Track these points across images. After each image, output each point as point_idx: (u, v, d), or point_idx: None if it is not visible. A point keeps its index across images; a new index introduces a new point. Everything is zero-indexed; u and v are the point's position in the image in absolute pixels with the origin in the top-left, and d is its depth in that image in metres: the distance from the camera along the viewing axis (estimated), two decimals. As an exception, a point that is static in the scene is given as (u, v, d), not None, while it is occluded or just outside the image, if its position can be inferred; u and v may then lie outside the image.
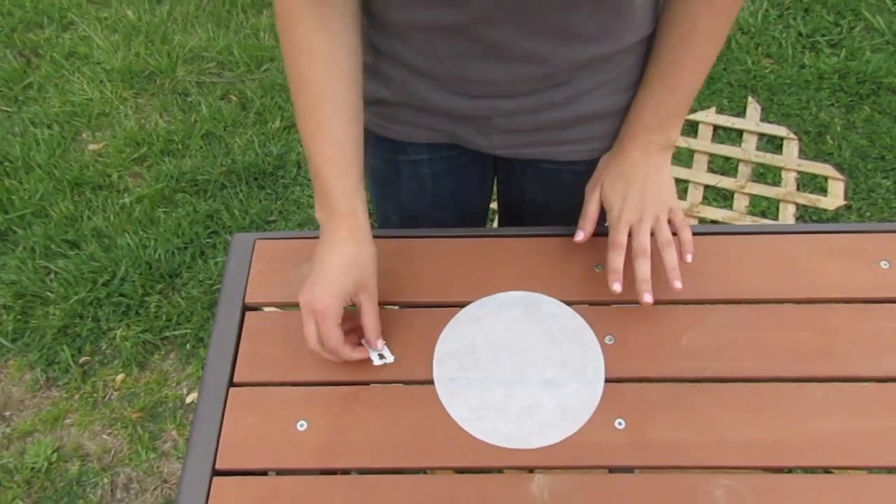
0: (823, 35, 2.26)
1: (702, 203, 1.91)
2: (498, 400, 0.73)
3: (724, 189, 1.94)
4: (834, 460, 0.68)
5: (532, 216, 0.98)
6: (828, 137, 2.02)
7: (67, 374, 1.67)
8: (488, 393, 0.73)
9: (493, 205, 1.88)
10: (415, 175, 0.93)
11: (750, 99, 2.13)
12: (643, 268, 0.73)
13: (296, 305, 0.81)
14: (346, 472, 0.71)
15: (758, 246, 0.83)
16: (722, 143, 2.05)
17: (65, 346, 1.69)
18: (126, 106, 2.24)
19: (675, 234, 0.76)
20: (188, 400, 1.63)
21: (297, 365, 0.76)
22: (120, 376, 1.66)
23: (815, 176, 1.95)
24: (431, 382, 0.74)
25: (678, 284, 0.72)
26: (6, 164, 2.08)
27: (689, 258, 0.74)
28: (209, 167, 2.04)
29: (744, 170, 1.98)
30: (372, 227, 0.75)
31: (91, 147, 2.13)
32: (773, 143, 2.03)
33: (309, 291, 0.70)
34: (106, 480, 1.52)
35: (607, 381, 0.74)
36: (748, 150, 2.02)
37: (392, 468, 0.70)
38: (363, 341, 0.76)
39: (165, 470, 1.53)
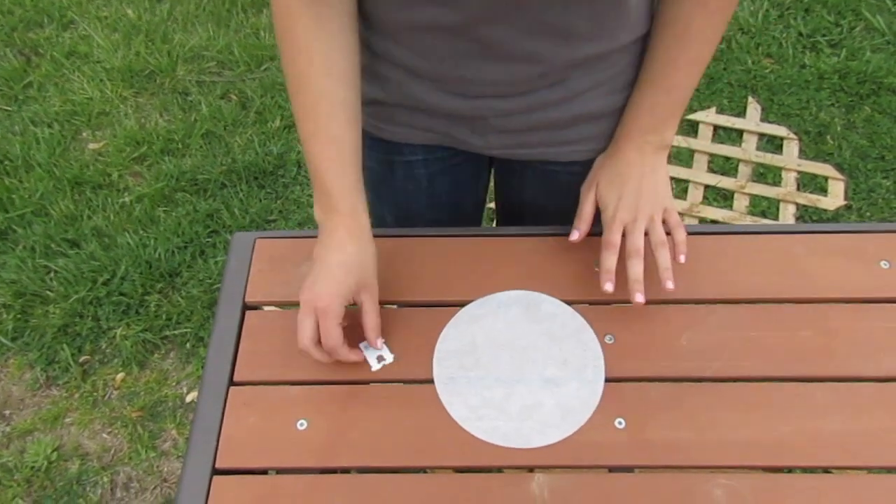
0: (824, 35, 2.27)
1: (702, 203, 1.91)
2: (498, 399, 0.73)
3: (724, 189, 1.94)
4: (833, 460, 0.68)
5: (530, 217, 0.98)
6: (828, 137, 2.02)
7: (67, 373, 1.67)
8: (488, 392, 0.73)
9: (493, 205, 1.88)
10: (410, 176, 0.93)
11: (750, 99, 2.13)
12: (636, 268, 0.73)
13: (296, 305, 0.81)
14: (346, 471, 0.71)
15: (758, 246, 0.83)
16: (722, 143, 2.05)
17: (65, 345, 1.70)
18: (126, 105, 2.24)
19: (669, 234, 0.75)
20: (188, 399, 1.63)
21: (297, 364, 0.76)
22: (120, 375, 1.66)
23: (815, 176, 1.95)
24: (431, 382, 0.74)
25: (670, 285, 0.72)
26: (6, 162, 2.08)
27: (682, 259, 0.74)
28: (209, 166, 2.04)
29: (744, 170, 1.98)
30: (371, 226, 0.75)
31: (91, 146, 2.13)
32: (773, 143, 2.04)
33: (310, 289, 0.70)
34: (106, 479, 1.52)
35: (607, 380, 0.74)
36: (748, 150, 2.02)
37: (392, 467, 0.70)
38: (361, 345, 0.76)
39: (165, 469, 1.53)
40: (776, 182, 1.94)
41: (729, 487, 0.67)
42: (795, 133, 2.04)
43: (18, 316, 1.75)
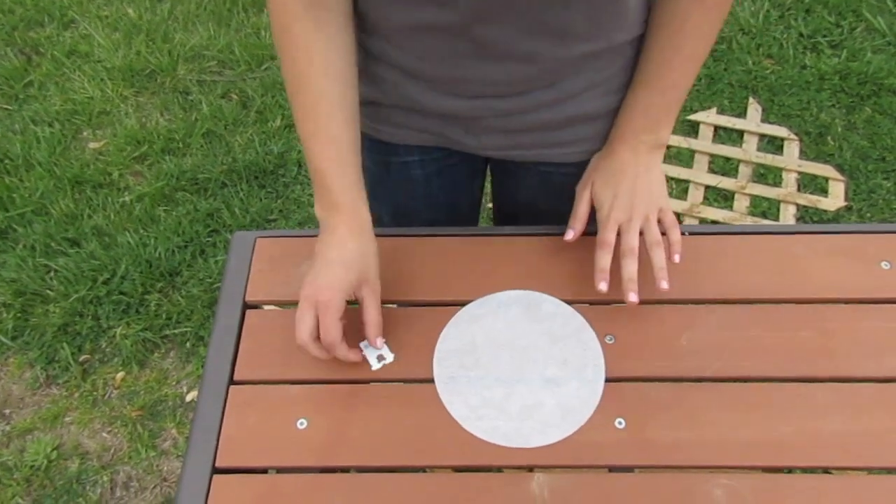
0: (824, 36, 2.27)
1: (702, 203, 1.91)
2: (498, 399, 0.73)
3: (724, 189, 1.94)
4: (834, 461, 0.68)
5: (526, 219, 0.98)
6: (828, 138, 2.02)
7: (67, 372, 1.67)
8: (488, 392, 0.73)
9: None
10: (406, 177, 0.93)
11: (751, 99, 2.13)
12: (630, 267, 0.73)
13: (297, 304, 0.81)
14: (345, 470, 0.71)
15: (758, 246, 0.83)
16: (723, 143, 2.05)
17: (65, 344, 1.70)
18: (127, 104, 2.24)
19: (664, 234, 0.75)
20: (188, 398, 1.63)
21: (297, 363, 0.76)
22: (120, 374, 1.66)
23: (815, 177, 1.95)
24: (431, 381, 0.74)
25: (665, 285, 0.72)
26: (7, 162, 2.08)
27: (676, 258, 0.74)
28: (210, 166, 2.04)
29: (744, 170, 1.98)
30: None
31: (92, 145, 2.13)
32: (773, 144, 2.04)
33: (311, 285, 0.70)
34: (105, 478, 1.52)
35: (607, 380, 0.74)
36: (749, 150, 2.02)
37: (392, 467, 0.70)
38: (361, 345, 0.76)
39: (165, 468, 1.53)
40: (777, 183, 1.94)
41: (729, 487, 0.67)
42: (796, 134, 2.04)
43: (18, 315, 1.75)
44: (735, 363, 0.74)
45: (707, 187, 1.95)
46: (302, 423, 0.72)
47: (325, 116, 0.70)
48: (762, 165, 1.98)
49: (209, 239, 1.88)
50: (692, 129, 2.08)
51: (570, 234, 0.79)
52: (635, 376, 0.74)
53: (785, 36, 2.28)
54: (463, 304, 0.80)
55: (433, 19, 0.67)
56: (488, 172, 1.02)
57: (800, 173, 1.96)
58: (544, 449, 0.70)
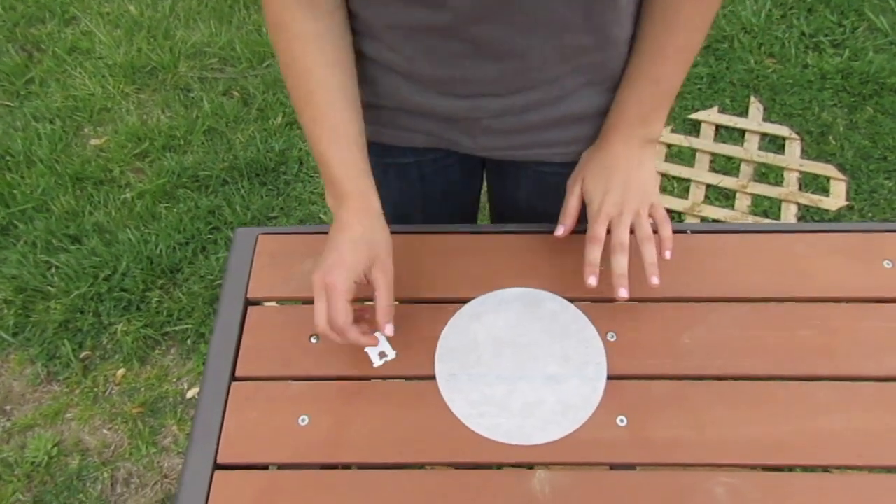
0: (826, 35, 2.26)
1: (703, 202, 1.91)
2: (499, 396, 0.73)
3: (725, 188, 1.93)
4: (835, 459, 0.68)
5: (523, 219, 0.97)
6: (830, 138, 2.02)
7: (68, 368, 1.67)
8: (490, 389, 0.73)
9: (495, 202, 1.88)
10: (403, 178, 0.92)
11: (752, 98, 2.13)
12: (620, 262, 0.71)
13: (298, 300, 0.81)
14: (347, 467, 0.71)
15: (760, 245, 0.83)
16: (724, 142, 2.04)
17: (66, 341, 1.70)
18: (128, 101, 2.24)
19: (655, 231, 0.74)
20: (189, 395, 1.63)
21: (299, 360, 0.76)
22: (121, 371, 1.66)
23: (817, 176, 1.95)
24: (433, 378, 0.74)
25: (655, 281, 0.71)
26: (8, 158, 2.08)
27: (668, 255, 0.73)
28: (211, 163, 2.04)
29: (746, 169, 1.98)
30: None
31: (93, 142, 2.13)
32: (775, 143, 2.03)
33: (319, 271, 0.68)
34: (106, 475, 1.52)
35: (609, 378, 0.74)
36: (750, 149, 2.02)
37: (393, 464, 0.70)
38: (371, 336, 0.76)
39: (166, 465, 1.53)
40: (778, 182, 1.94)
41: (730, 486, 0.67)
42: (797, 133, 2.04)
43: (20, 311, 1.75)
44: (736, 361, 0.74)
45: (708, 186, 1.95)
46: (303, 420, 0.72)
47: (326, 103, 0.70)
48: (763, 164, 1.98)
49: (210, 236, 1.88)
50: (693, 128, 2.08)
51: (560, 230, 0.78)
52: (637, 374, 0.74)
53: (787, 35, 2.28)
54: (464, 301, 0.80)
55: (427, 20, 0.66)
56: (485, 172, 1.02)
57: (801, 173, 1.96)
58: (545, 446, 0.70)
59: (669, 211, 1.90)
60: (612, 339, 0.76)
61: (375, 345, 0.72)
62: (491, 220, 1.10)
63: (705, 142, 2.04)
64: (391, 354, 0.76)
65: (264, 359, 0.77)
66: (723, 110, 2.12)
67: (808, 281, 0.80)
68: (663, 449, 0.69)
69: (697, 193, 1.93)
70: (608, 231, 0.74)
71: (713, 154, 2.02)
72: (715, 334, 0.76)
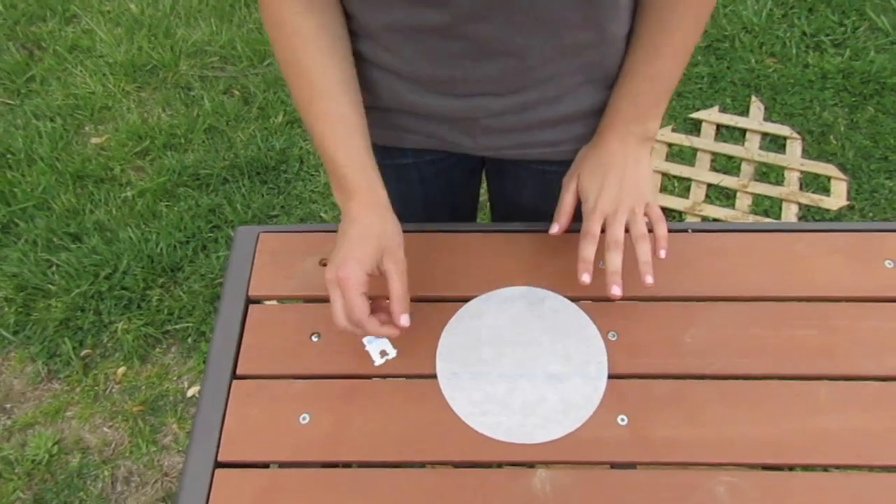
0: (828, 35, 2.26)
1: (704, 202, 1.91)
2: (501, 394, 0.73)
3: (726, 188, 1.93)
4: (836, 459, 0.68)
5: (524, 218, 0.97)
6: (831, 137, 2.02)
7: (69, 366, 1.67)
8: (491, 387, 0.73)
9: (496, 201, 1.87)
10: (402, 179, 0.92)
11: (753, 98, 2.13)
12: (614, 260, 0.71)
13: (299, 299, 0.81)
14: (347, 465, 0.71)
15: (761, 244, 0.83)
16: (725, 141, 2.04)
17: (66, 339, 1.70)
18: (129, 99, 2.23)
19: (650, 230, 0.74)
20: (189, 394, 1.63)
21: (299, 358, 0.76)
22: (121, 369, 1.66)
23: (817, 176, 1.95)
24: (434, 377, 0.74)
25: (650, 279, 0.71)
26: (9, 156, 2.08)
27: (662, 254, 0.72)
28: (211, 161, 2.04)
29: (746, 169, 1.98)
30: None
31: (93, 140, 2.13)
32: (776, 143, 2.03)
33: (331, 267, 0.68)
34: (106, 473, 1.52)
35: (610, 377, 0.74)
36: (751, 149, 2.02)
37: (394, 462, 0.70)
38: (365, 340, 0.76)
39: (166, 463, 1.53)
40: (779, 181, 1.94)
41: (731, 485, 0.67)
42: (798, 132, 2.04)
43: (20, 309, 1.75)
44: (737, 361, 0.74)
45: (709, 185, 1.95)
46: (304, 418, 0.72)
47: (329, 97, 0.70)
48: (764, 164, 1.98)
49: (211, 234, 1.88)
50: (694, 128, 2.08)
51: (555, 228, 0.77)
52: (638, 373, 0.74)
53: (788, 34, 2.28)
54: (466, 300, 0.80)
55: (427, 20, 0.66)
56: (485, 172, 1.02)
57: (802, 172, 1.96)
58: (547, 445, 0.70)
59: (670, 210, 1.90)
60: (614, 338, 0.76)
61: (396, 335, 0.70)
62: (493, 220, 1.10)
63: (706, 141, 2.04)
64: (392, 353, 0.76)
65: (265, 357, 0.77)
66: (724, 110, 2.12)
67: (809, 280, 0.80)
68: (664, 448, 0.69)
69: (698, 193, 1.93)
70: (603, 229, 0.74)
71: (714, 153, 2.02)
72: (716, 333, 0.76)
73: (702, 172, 1.97)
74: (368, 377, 0.75)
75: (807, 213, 1.88)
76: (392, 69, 0.74)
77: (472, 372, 0.74)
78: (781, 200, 1.90)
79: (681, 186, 1.95)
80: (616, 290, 0.70)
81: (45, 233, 1.88)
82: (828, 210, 1.87)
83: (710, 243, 0.83)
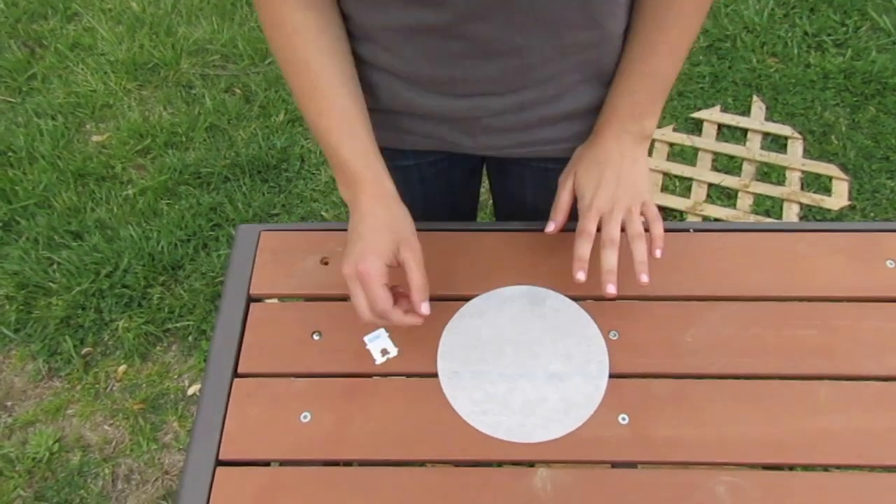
0: (829, 34, 2.26)
1: (705, 201, 1.91)
2: (501, 394, 0.73)
3: (727, 188, 1.93)
4: (835, 459, 0.68)
5: (527, 216, 0.97)
6: (832, 137, 2.01)
7: (69, 364, 1.67)
8: (492, 387, 0.73)
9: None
10: (403, 180, 0.92)
11: (755, 98, 2.13)
12: (610, 258, 0.70)
13: (300, 297, 0.81)
14: (348, 463, 0.71)
15: (762, 244, 0.83)
16: (726, 141, 2.04)
17: (67, 337, 1.70)
18: (130, 97, 2.24)
19: (647, 230, 0.74)
20: (190, 392, 1.63)
21: (301, 356, 0.76)
22: (122, 367, 1.67)
23: (819, 176, 1.94)
24: (435, 376, 0.75)
25: (645, 279, 0.70)
26: (10, 154, 2.08)
27: (658, 253, 0.72)
28: (213, 160, 2.04)
29: (748, 169, 1.97)
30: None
31: (95, 138, 2.13)
32: (777, 143, 2.03)
33: (348, 262, 0.68)
34: (107, 471, 1.52)
35: (611, 376, 0.74)
36: (752, 148, 2.01)
37: (395, 461, 0.70)
38: (365, 338, 0.76)
39: (167, 461, 1.54)
40: (780, 181, 1.94)
41: (732, 484, 0.67)
42: (800, 132, 2.04)
43: (21, 307, 1.75)
44: (738, 360, 0.74)
45: (710, 185, 1.94)
46: (305, 417, 0.72)
47: (331, 93, 0.70)
48: (766, 164, 1.98)
49: (212, 233, 1.88)
50: (696, 127, 2.08)
51: (551, 227, 0.77)
52: (639, 372, 0.74)
53: (789, 34, 2.27)
54: (467, 299, 0.80)
55: (427, 20, 0.66)
56: (487, 171, 1.01)
57: (803, 172, 1.95)
58: (547, 444, 0.70)
59: (671, 210, 1.90)
60: (615, 338, 0.76)
61: (419, 323, 0.70)
62: (496, 219, 1.10)
63: (707, 141, 2.04)
64: (393, 352, 0.76)
65: (266, 355, 0.77)
66: (725, 109, 2.12)
67: (810, 280, 0.80)
68: (665, 447, 0.69)
69: (699, 192, 1.93)
70: (599, 228, 0.73)
71: (715, 153, 2.02)
72: (716, 333, 0.76)
73: (703, 172, 1.97)
74: (369, 376, 0.75)
75: (808, 213, 1.88)
76: (391, 70, 0.74)
77: (473, 371, 0.74)
78: (783, 200, 1.90)
79: (682, 186, 1.95)
80: (611, 289, 0.70)
81: (46, 231, 1.88)
82: (829, 210, 1.87)
83: (711, 243, 0.83)
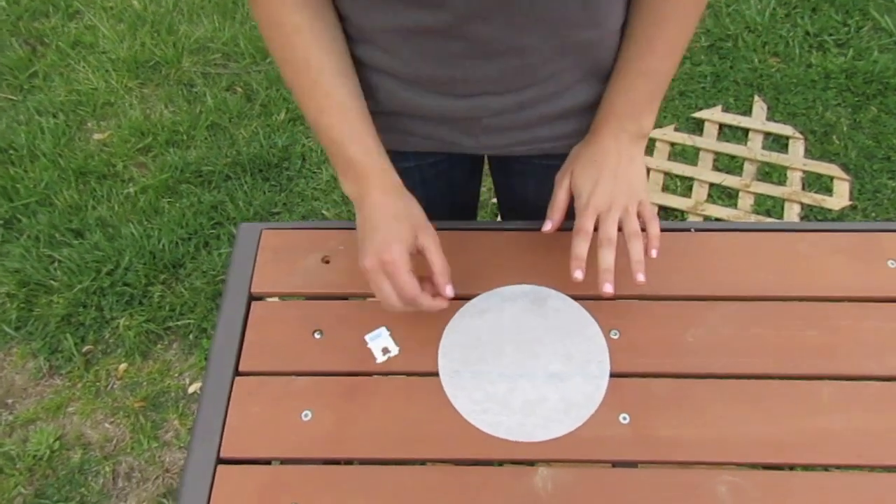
0: (831, 34, 2.26)
1: (706, 201, 1.91)
2: (502, 393, 0.73)
3: (729, 187, 1.93)
4: (835, 459, 0.68)
5: (532, 213, 0.97)
6: (834, 137, 2.01)
7: (70, 362, 1.67)
8: (492, 386, 0.73)
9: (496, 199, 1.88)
10: (404, 182, 0.92)
11: (756, 98, 2.13)
12: (607, 257, 0.70)
13: (301, 296, 0.81)
14: (349, 462, 0.71)
15: (763, 243, 0.83)
16: (727, 141, 2.04)
17: (68, 335, 1.70)
18: (131, 96, 2.24)
19: (643, 229, 0.73)
20: (190, 390, 1.63)
21: (302, 355, 0.76)
22: (123, 366, 1.67)
23: (820, 176, 1.94)
24: (436, 375, 0.75)
25: (641, 278, 0.70)
26: (11, 152, 2.08)
27: (654, 253, 0.72)
28: (214, 158, 2.04)
29: (749, 168, 1.97)
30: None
31: (96, 136, 2.14)
32: (778, 143, 2.03)
33: (369, 254, 0.68)
34: (108, 469, 1.52)
35: (612, 375, 0.74)
36: (754, 148, 2.01)
37: (395, 459, 0.70)
38: (367, 337, 0.76)
39: (167, 459, 1.54)
40: (781, 181, 1.94)
41: (733, 484, 0.67)
42: (801, 132, 2.04)
43: (22, 305, 1.75)
44: (738, 360, 0.74)
45: (711, 185, 1.94)
46: (306, 415, 0.72)
47: (331, 90, 0.70)
48: (767, 164, 1.98)
49: (213, 231, 1.88)
50: (697, 127, 2.08)
51: (548, 226, 0.77)
52: (639, 372, 0.74)
53: (791, 34, 2.27)
54: (468, 298, 0.80)
55: (427, 21, 0.65)
56: (490, 170, 1.01)
57: (804, 172, 1.95)
58: (548, 443, 0.70)
59: (672, 209, 1.90)
60: (616, 337, 0.76)
61: (446, 307, 0.71)
62: (501, 218, 1.10)
63: (709, 140, 2.04)
64: (394, 351, 0.76)
65: (267, 354, 0.77)
66: (726, 109, 2.11)
67: (811, 280, 0.80)
68: (666, 447, 0.69)
69: (700, 192, 1.93)
70: (596, 227, 0.73)
71: (716, 153, 2.02)
72: (717, 333, 0.76)
73: (704, 172, 1.97)
74: (370, 374, 0.75)
75: (809, 213, 1.88)
76: (391, 71, 0.74)
77: (474, 370, 0.74)
78: (784, 200, 1.90)
79: (683, 186, 1.95)
80: (608, 288, 0.70)
81: (47, 229, 1.88)
82: (830, 210, 1.87)
83: (712, 243, 0.83)
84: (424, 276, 0.72)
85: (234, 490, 0.68)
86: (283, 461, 0.71)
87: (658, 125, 2.07)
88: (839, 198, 1.88)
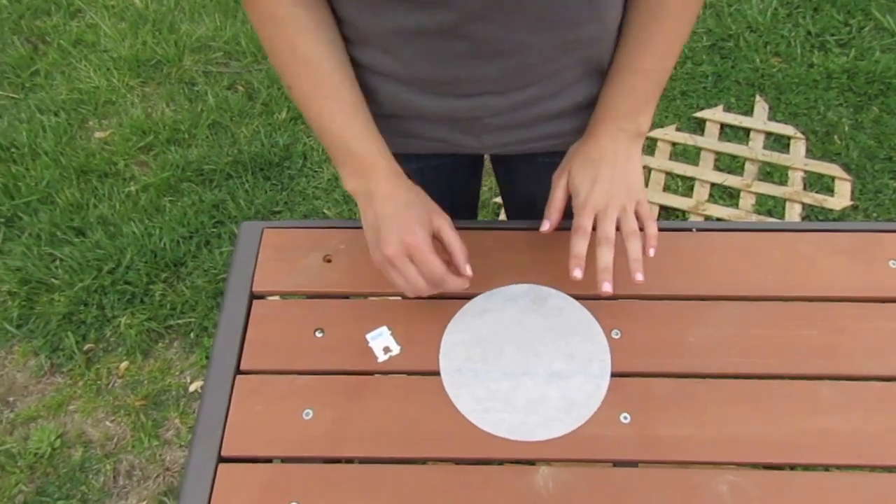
0: (832, 34, 2.26)
1: (707, 201, 1.91)
2: (504, 392, 0.73)
3: (730, 187, 1.93)
4: (836, 459, 0.69)
5: (536, 212, 0.97)
6: (835, 137, 2.01)
7: (72, 360, 1.67)
8: (494, 385, 0.73)
9: (499, 198, 1.88)
10: None
11: (757, 97, 2.13)
12: (605, 256, 0.70)
13: (303, 294, 0.81)
14: (350, 461, 0.71)
15: (764, 243, 0.83)
16: (729, 141, 2.04)
17: (69, 333, 1.70)
18: (133, 94, 2.24)
19: (641, 229, 0.73)
20: (191, 388, 1.64)
21: (303, 354, 0.77)
22: (124, 364, 1.67)
23: (821, 176, 1.94)
24: (438, 374, 0.75)
25: (640, 277, 0.70)
26: (13, 150, 2.08)
27: (651, 252, 0.71)
28: (215, 157, 2.04)
29: (750, 168, 1.97)
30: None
31: (97, 135, 2.14)
32: (780, 142, 2.03)
33: (392, 241, 0.68)
34: (108, 467, 1.52)
35: (613, 375, 0.74)
36: (755, 148, 2.01)
37: (397, 458, 0.70)
38: (368, 336, 0.76)
39: (168, 458, 1.54)
40: (782, 181, 1.94)
41: (734, 484, 0.67)
42: (802, 132, 2.04)
43: (24, 303, 1.76)
44: (740, 360, 0.74)
45: (713, 185, 1.94)
46: (308, 414, 0.72)
47: (332, 86, 0.70)
48: (768, 164, 1.98)
49: (214, 230, 1.88)
50: (698, 127, 2.08)
51: (545, 225, 0.77)
52: (641, 372, 0.74)
53: (793, 34, 2.27)
54: (470, 297, 0.80)
55: (429, 21, 0.65)
56: (493, 170, 1.01)
57: (806, 172, 1.95)
58: (549, 442, 0.70)
59: (673, 209, 1.90)
60: (617, 337, 0.76)
61: (467, 286, 0.73)
62: (507, 216, 1.10)
63: (710, 140, 2.04)
64: (396, 349, 0.76)
65: (269, 352, 0.77)
66: (728, 109, 2.11)
67: (812, 280, 0.80)
68: (667, 446, 0.69)
69: (702, 192, 1.93)
70: (594, 226, 0.73)
71: (718, 153, 2.02)
72: (718, 333, 0.76)
73: (705, 172, 1.97)
74: (371, 373, 0.75)
75: (810, 213, 1.88)
76: (391, 73, 0.73)
77: (475, 369, 0.74)
78: (785, 200, 1.90)
79: (684, 185, 1.95)
80: (606, 287, 0.70)
81: (48, 227, 1.88)
82: (831, 210, 1.87)
83: (713, 243, 0.83)
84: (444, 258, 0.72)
85: (235, 488, 0.68)
86: (284, 460, 0.71)
87: (659, 125, 2.07)
88: (840, 198, 1.88)
